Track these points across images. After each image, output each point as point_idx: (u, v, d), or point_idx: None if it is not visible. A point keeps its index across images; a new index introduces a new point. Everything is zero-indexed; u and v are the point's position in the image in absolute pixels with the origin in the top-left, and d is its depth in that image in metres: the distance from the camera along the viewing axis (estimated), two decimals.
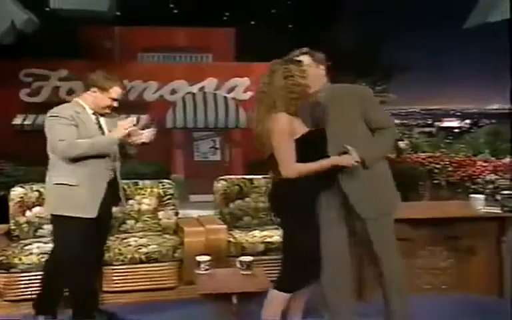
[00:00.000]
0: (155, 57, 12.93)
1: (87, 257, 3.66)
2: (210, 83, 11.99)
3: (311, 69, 3.25)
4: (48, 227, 4.43)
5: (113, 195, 3.75)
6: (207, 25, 13.09)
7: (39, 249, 4.17)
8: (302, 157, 3.10)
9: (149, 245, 4.34)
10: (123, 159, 3.83)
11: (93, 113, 3.70)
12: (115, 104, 3.72)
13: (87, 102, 3.68)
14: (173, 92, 11.93)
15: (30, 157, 9.50)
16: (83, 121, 3.61)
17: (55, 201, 3.60)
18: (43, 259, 4.04)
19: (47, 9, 6.85)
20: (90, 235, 3.62)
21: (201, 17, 13.06)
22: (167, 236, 4.55)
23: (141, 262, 4.27)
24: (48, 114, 3.63)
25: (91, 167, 3.58)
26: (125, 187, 4.42)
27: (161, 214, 4.72)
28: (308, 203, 3.21)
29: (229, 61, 12.92)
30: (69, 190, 3.54)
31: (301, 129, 3.15)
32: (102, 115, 3.73)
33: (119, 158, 3.78)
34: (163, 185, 4.79)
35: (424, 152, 9.43)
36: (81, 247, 3.57)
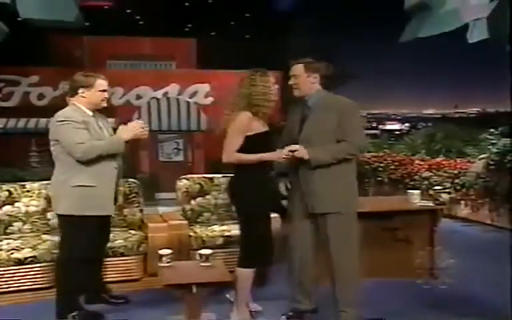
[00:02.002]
0: (121, 64, 12.74)
1: (100, 252, 3.87)
2: (173, 89, 11.91)
3: (301, 77, 3.49)
4: (18, 224, 4.34)
5: (116, 191, 3.76)
6: (171, 35, 13.01)
7: (8, 245, 4.05)
8: (252, 150, 3.42)
9: (115, 240, 4.27)
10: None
11: (93, 115, 3.65)
12: (106, 95, 3.69)
13: (83, 104, 3.62)
14: (138, 97, 11.79)
15: (0, 158, 9.25)
16: (89, 123, 3.56)
17: (76, 203, 3.51)
18: (12, 255, 3.95)
19: (18, 19, 6.65)
20: (107, 232, 3.81)
21: (165, 28, 12.96)
22: (132, 231, 4.49)
23: (108, 256, 4.20)
24: (56, 119, 3.53)
25: (104, 166, 3.57)
26: None
27: (126, 211, 4.64)
28: (258, 192, 3.49)
29: (191, 68, 12.88)
30: (89, 191, 3.51)
31: (259, 128, 3.46)
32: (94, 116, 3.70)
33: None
34: (129, 184, 4.72)
35: (369, 152, 9.61)
36: (98, 243, 3.73)
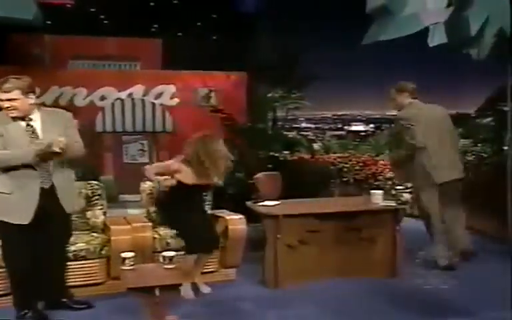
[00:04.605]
0: (85, 64, 12.49)
1: (33, 258, 3.64)
2: (138, 90, 11.72)
3: (396, 99, 5.03)
4: None
5: (52, 200, 3.63)
6: (136, 35, 12.84)
7: None
8: (177, 192, 4.32)
9: (77, 243, 4.20)
10: (53, 158, 3.60)
11: (23, 119, 3.55)
12: (5, 104, 3.51)
13: None
14: (103, 98, 11.57)
15: None
16: (7, 129, 3.50)
17: None
18: None
19: None
20: (28, 239, 3.57)
21: (130, 28, 12.78)
22: (94, 234, 4.42)
23: (70, 260, 4.12)
24: None
25: (23, 175, 3.49)
26: None
27: (89, 213, 4.57)
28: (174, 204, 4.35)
29: (156, 69, 12.74)
30: (3, 197, 3.49)
31: (189, 180, 4.27)
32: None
33: (56, 164, 3.63)
34: (91, 186, 4.65)
35: (335, 153, 9.72)
36: (19, 250, 3.55)
